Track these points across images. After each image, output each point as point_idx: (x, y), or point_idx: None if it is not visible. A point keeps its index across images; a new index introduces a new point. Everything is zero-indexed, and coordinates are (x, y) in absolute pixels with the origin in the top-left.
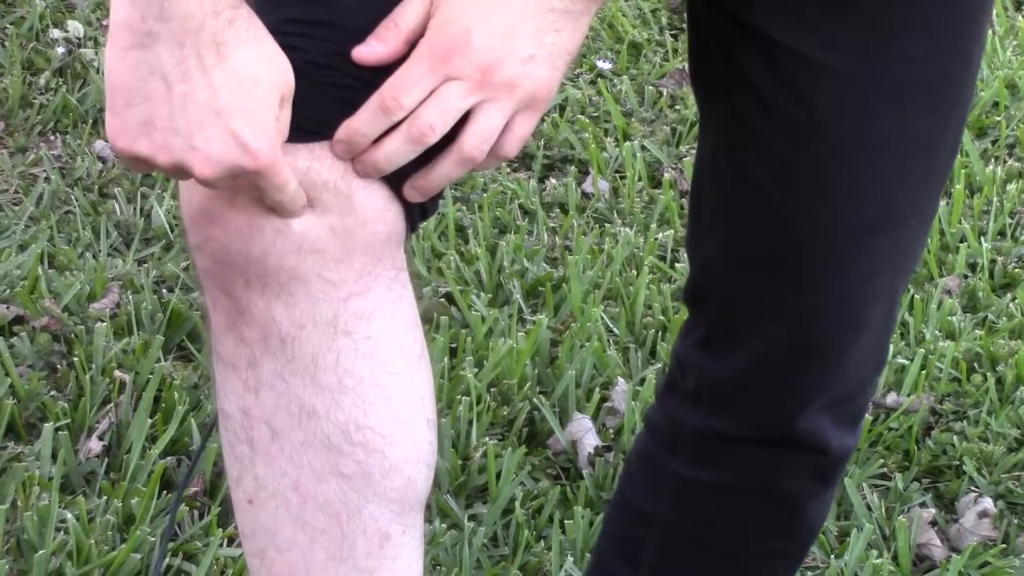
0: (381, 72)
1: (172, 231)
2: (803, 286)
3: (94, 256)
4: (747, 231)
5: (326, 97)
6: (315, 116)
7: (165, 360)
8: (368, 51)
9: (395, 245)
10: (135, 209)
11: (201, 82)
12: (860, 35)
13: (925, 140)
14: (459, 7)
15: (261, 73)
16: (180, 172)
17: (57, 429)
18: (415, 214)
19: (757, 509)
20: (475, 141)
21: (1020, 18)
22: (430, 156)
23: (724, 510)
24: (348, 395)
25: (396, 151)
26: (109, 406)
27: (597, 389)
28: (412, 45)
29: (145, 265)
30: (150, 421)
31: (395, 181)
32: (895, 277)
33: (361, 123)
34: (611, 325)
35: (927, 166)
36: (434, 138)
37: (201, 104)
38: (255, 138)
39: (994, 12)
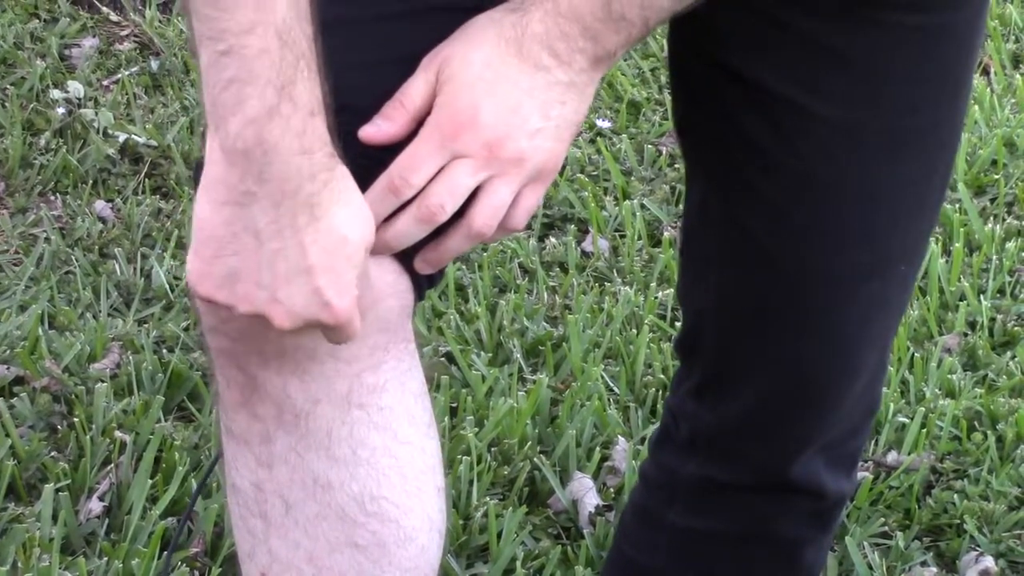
0: (390, 150)
1: (172, 291)
2: (796, 333)
3: (94, 316)
4: (739, 279)
5: None
6: None
7: (166, 420)
8: (375, 130)
9: (406, 318)
10: (135, 269)
11: (292, 241)
12: (855, 85)
13: (915, 187)
14: (464, 84)
15: (350, 232)
16: (258, 319)
17: (58, 490)
18: (423, 284)
19: (756, 556)
20: (484, 218)
21: (1018, 76)
22: (439, 229)
23: (723, 559)
24: (362, 466)
25: (406, 230)
26: (109, 467)
27: (598, 448)
28: (419, 123)
29: (145, 325)
30: (151, 482)
31: (404, 254)
32: (887, 322)
33: (371, 203)
34: (611, 384)
35: (917, 212)
36: (444, 217)
37: (290, 262)
38: (337, 297)
39: (992, 70)
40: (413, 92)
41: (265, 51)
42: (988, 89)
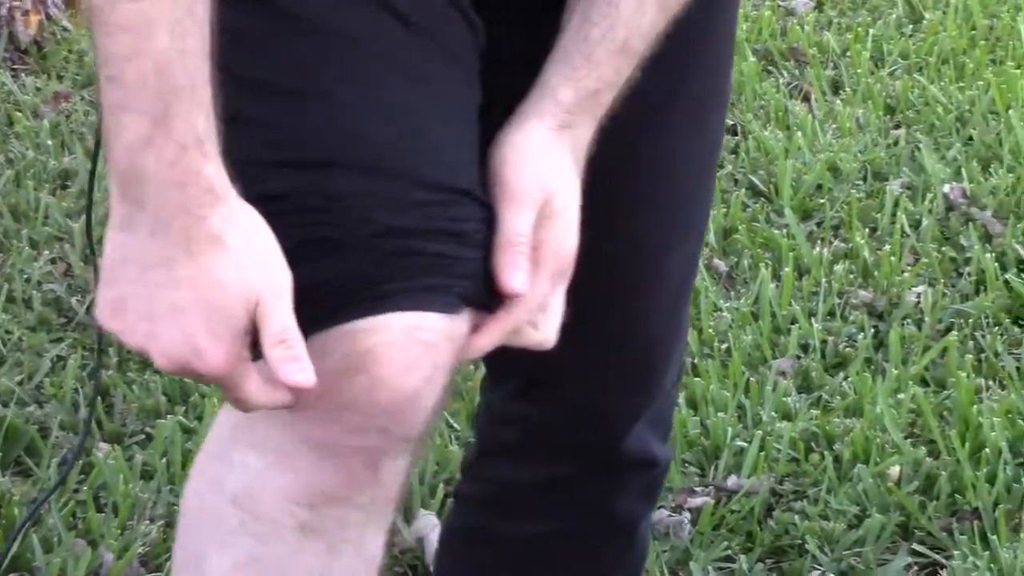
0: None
1: (5, 346)
2: (626, 301)
3: None
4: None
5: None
6: (467, 287)
7: (3, 476)
8: (520, 282)
9: None
10: None
11: (167, 275)
12: (665, 56)
13: (710, 154)
14: (568, 222)
15: (225, 277)
16: (146, 358)
17: None
18: None
19: (601, 543)
20: (553, 331)
21: (838, 102)
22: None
23: (570, 556)
24: None
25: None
26: None
27: (441, 485)
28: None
29: None
30: None
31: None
32: (692, 282)
33: (499, 335)
34: (451, 421)
35: (708, 181)
36: (551, 344)
37: (164, 295)
38: (209, 344)
39: (813, 97)
40: (528, 227)
41: (142, 81)
42: (810, 115)
